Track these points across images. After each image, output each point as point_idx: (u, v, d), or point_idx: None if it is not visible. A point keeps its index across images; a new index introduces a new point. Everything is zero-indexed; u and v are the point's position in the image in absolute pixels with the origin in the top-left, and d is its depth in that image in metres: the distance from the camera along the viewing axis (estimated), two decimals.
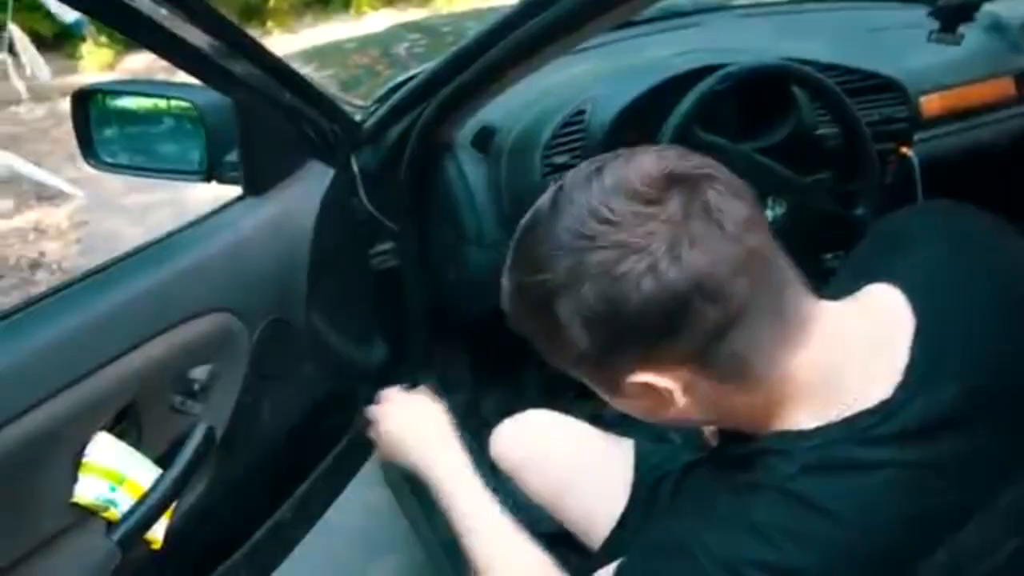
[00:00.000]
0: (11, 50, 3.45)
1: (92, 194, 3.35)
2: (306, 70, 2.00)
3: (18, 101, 4.30)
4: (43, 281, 3.02)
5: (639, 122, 1.14)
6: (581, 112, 1.14)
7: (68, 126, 1.07)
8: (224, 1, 5.55)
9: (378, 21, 6.34)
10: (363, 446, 1.33)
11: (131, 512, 0.85)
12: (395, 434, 0.95)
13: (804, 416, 0.62)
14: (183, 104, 1.04)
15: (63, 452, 0.80)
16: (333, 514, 1.27)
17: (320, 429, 1.21)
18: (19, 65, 3.38)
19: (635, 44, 1.42)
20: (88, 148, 1.05)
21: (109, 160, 1.07)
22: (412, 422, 0.95)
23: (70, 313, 0.84)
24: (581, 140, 1.14)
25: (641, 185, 0.58)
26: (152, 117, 1.08)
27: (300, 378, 1.10)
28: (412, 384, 1.50)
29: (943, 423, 0.60)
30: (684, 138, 1.04)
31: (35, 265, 3.11)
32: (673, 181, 0.58)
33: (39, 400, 0.76)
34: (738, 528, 0.59)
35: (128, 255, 0.94)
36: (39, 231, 3.31)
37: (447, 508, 0.85)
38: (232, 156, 1.04)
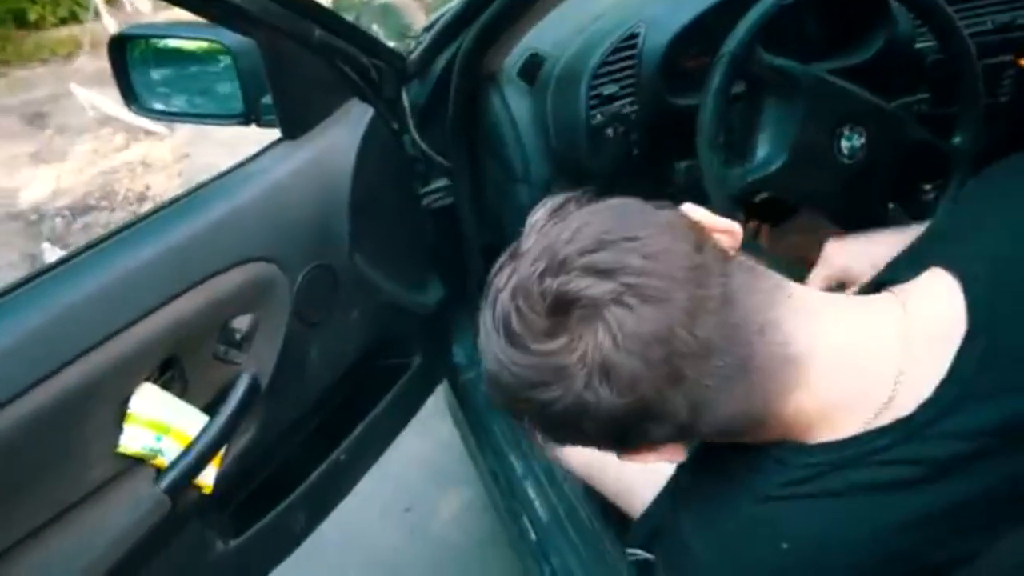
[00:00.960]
0: None
1: (193, 128, 3.47)
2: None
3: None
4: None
5: (698, 43, 1.04)
6: (634, 36, 1.04)
7: None
8: None
9: None
10: (422, 386, 1.34)
11: (178, 460, 0.88)
12: None
13: (816, 432, 0.56)
14: (216, 46, 1.02)
15: (106, 403, 0.83)
16: (405, 445, 1.29)
17: (375, 371, 1.21)
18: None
19: None
20: (130, 94, 1.05)
21: (151, 105, 1.07)
22: None
23: (108, 266, 0.85)
24: (633, 68, 1.04)
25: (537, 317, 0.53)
26: (189, 61, 1.07)
27: (347, 323, 1.10)
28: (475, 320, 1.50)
29: (964, 458, 0.52)
30: (745, 62, 0.93)
31: (142, 198, 3.27)
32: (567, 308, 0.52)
33: (80, 352, 0.78)
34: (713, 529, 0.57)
35: (163, 206, 0.95)
36: (145, 165, 3.46)
37: None
38: (268, 99, 1.02)
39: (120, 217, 3.18)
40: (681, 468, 0.69)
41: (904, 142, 1.01)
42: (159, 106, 1.06)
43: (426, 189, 1.29)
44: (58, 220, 3.17)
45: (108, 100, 3.63)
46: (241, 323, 0.95)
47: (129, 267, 0.85)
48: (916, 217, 1.06)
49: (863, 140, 0.99)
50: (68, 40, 4.72)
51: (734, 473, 0.59)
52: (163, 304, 0.86)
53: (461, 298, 1.44)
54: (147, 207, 3.22)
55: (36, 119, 3.89)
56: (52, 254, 2.88)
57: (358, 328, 1.13)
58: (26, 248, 3.04)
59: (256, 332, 0.96)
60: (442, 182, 1.30)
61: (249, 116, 1.05)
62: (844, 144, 0.99)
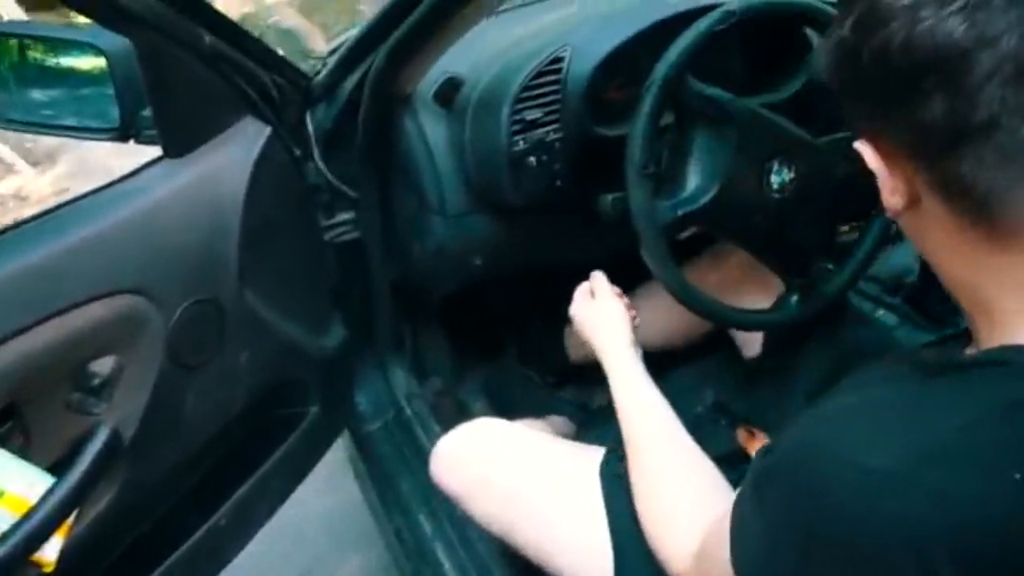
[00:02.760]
0: None
1: (76, 158, 3.23)
2: (290, 17, 1.85)
3: None
4: None
5: (624, 72, 0.98)
6: (558, 60, 0.98)
7: None
8: None
9: None
10: (320, 438, 1.21)
11: (11, 531, 0.73)
12: (585, 318, 0.97)
13: None
14: (88, 50, 0.89)
15: None
16: (303, 502, 1.15)
17: (266, 422, 1.07)
18: None
19: None
20: None
21: (11, 115, 0.93)
22: (601, 312, 0.96)
23: None
24: (556, 93, 0.98)
25: None
26: (57, 66, 0.93)
27: (234, 367, 0.97)
28: (381, 365, 1.38)
29: None
30: (676, 89, 0.88)
31: None
32: None
33: None
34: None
35: (15, 225, 0.81)
36: (19, 198, 3.19)
37: (613, 392, 0.87)
38: (148, 111, 0.90)
39: None
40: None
41: (833, 178, 0.98)
42: (21, 116, 0.92)
43: (330, 222, 1.18)
44: None
45: None
46: (102, 366, 0.81)
47: None
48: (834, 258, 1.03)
49: (792, 175, 0.96)
50: None
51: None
52: (3, 339, 0.71)
53: (365, 341, 1.32)
54: None
55: None
56: None
57: (247, 373, 0.99)
58: None
59: (120, 377, 0.82)
60: (348, 215, 1.19)
61: (126, 130, 0.92)
62: (774, 179, 0.95)
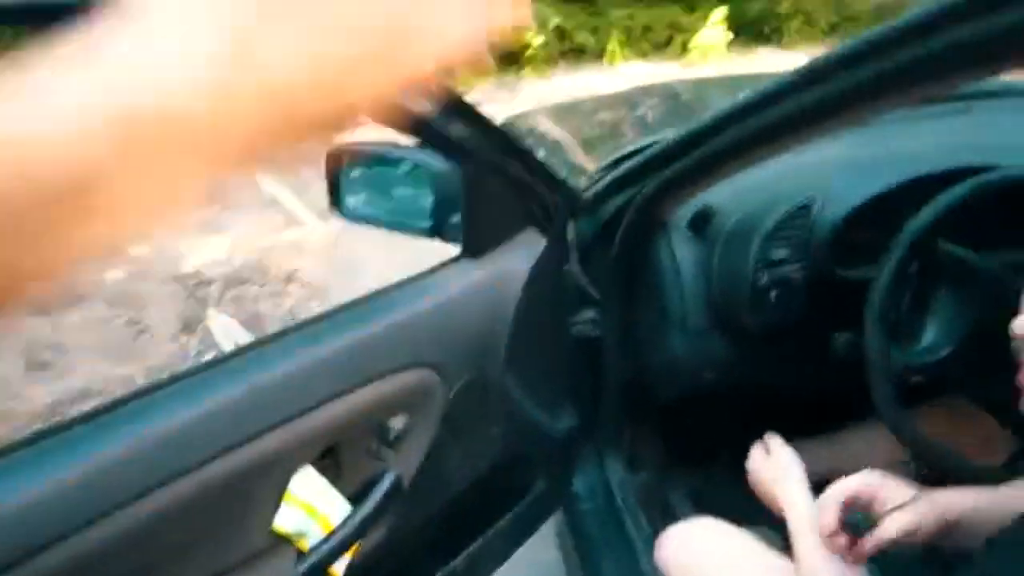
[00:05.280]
0: None
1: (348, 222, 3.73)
2: (547, 126, 2.09)
3: None
4: (293, 293, 3.39)
5: (873, 223, 1.06)
6: (808, 206, 1.07)
7: None
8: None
9: (631, 72, 6.48)
10: (541, 511, 1.34)
11: (319, 545, 0.92)
12: (763, 474, 1.05)
13: None
14: (418, 166, 1.12)
15: (273, 481, 0.88)
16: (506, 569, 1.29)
17: (500, 488, 1.23)
18: None
19: (883, 131, 1.32)
20: (337, 200, 1.16)
21: (354, 212, 1.18)
22: (777, 466, 1.03)
23: (290, 357, 0.92)
24: (804, 236, 1.07)
25: None
26: (393, 176, 1.18)
27: (487, 437, 1.13)
28: (599, 454, 1.50)
29: None
30: (922, 248, 0.94)
31: (290, 278, 3.50)
32: None
33: (257, 433, 0.85)
34: None
35: (345, 307, 1.03)
36: (298, 248, 3.72)
37: (794, 546, 0.92)
38: (457, 218, 1.11)
39: (268, 292, 3.39)
40: None
41: None
42: (361, 213, 1.17)
43: (574, 318, 1.34)
44: (213, 288, 3.42)
45: (279, 186, 3.98)
46: (396, 423, 1.01)
47: (308, 360, 0.93)
48: None
49: None
50: None
51: None
52: (336, 397, 0.92)
53: (589, 429, 1.45)
54: (293, 287, 3.45)
55: (210, 193, 4.28)
56: (215, 319, 3.09)
57: (495, 443, 1.16)
58: (182, 309, 3.29)
59: (408, 434, 1.00)
60: (591, 314, 1.34)
61: (435, 231, 1.14)
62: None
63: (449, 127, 0.95)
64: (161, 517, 0.76)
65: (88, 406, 0.87)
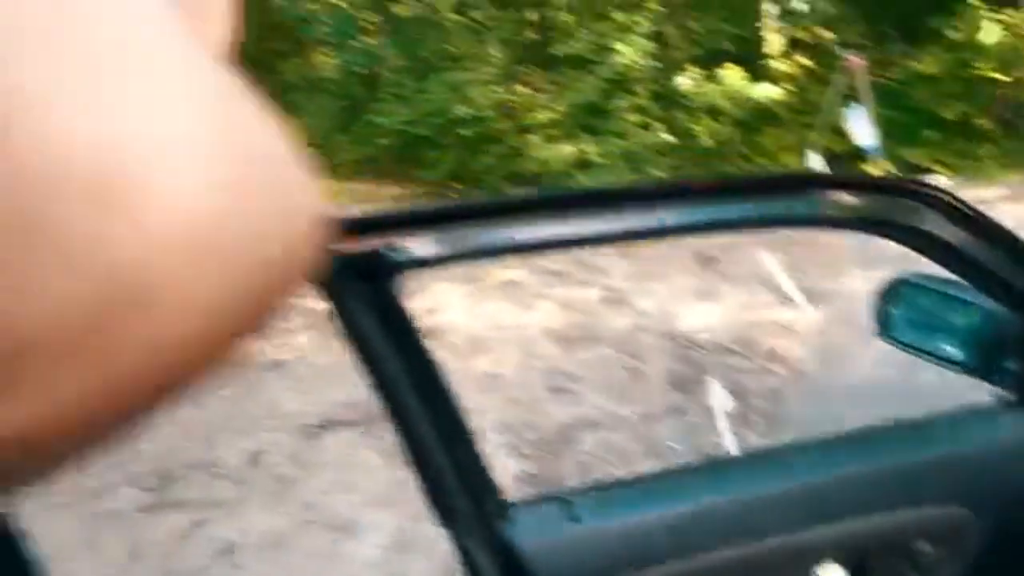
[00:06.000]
0: None
1: (837, 311, 3.73)
2: None
3: None
4: (777, 373, 3.51)
5: None
6: None
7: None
8: None
9: None
10: None
11: None
12: None
13: None
14: (972, 304, 1.17)
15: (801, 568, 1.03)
16: None
17: None
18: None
19: None
20: (885, 323, 1.27)
21: (899, 337, 1.27)
22: None
23: (829, 464, 1.07)
24: None
25: None
26: (943, 310, 1.24)
27: None
28: None
29: None
30: None
31: (773, 357, 3.63)
32: None
33: (802, 523, 1.01)
34: None
35: (892, 427, 1.13)
36: (784, 328, 3.83)
37: None
38: (1010, 364, 1.13)
39: (754, 367, 3.57)
40: None
41: None
42: (904, 340, 1.26)
43: None
44: (703, 352, 3.73)
45: (778, 265, 4.16)
46: (925, 547, 1.07)
47: (848, 470, 1.06)
48: None
49: None
50: None
51: None
52: (872, 511, 1.03)
53: None
54: (777, 366, 3.57)
55: (708, 262, 4.65)
56: (712, 385, 3.35)
57: None
58: (671, 365, 3.65)
59: (939, 565, 1.06)
60: None
61: (978, 371, 1.17)
62: None
63: (1010, 277, 1.00)
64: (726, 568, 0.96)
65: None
